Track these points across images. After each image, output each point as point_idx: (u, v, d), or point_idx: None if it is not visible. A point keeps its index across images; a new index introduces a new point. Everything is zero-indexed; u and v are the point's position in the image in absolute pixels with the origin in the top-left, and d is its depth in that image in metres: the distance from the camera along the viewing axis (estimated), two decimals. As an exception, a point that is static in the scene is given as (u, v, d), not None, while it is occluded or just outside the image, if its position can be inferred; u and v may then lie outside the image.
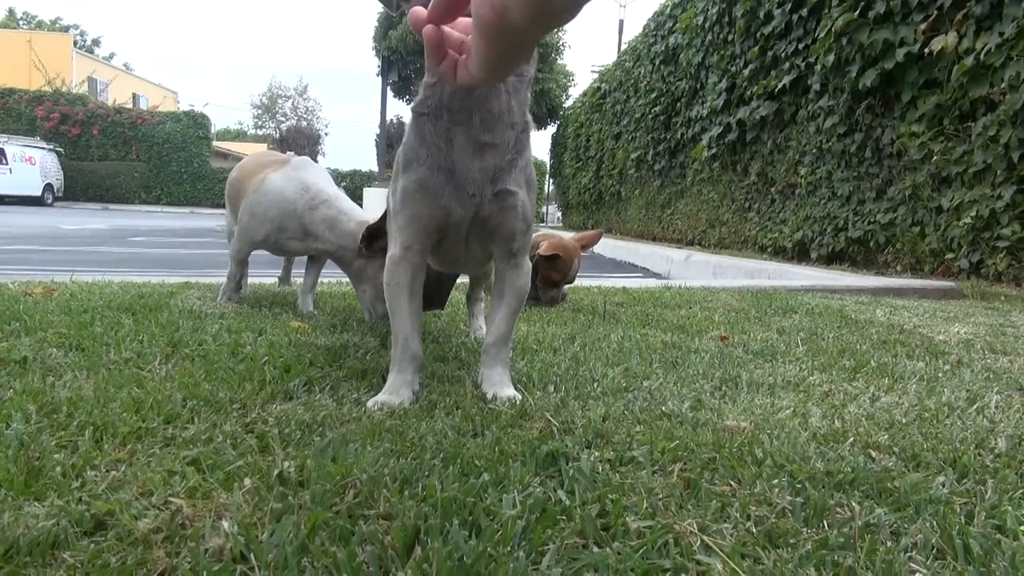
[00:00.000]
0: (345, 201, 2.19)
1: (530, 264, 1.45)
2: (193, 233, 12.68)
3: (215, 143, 34.42)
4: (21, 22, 46.76)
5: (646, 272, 7.78)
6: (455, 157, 1.26)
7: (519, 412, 1.23)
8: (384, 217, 2.02)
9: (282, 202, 2.16)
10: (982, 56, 4.56)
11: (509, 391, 1.37)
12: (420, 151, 1.28)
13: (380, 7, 19.80)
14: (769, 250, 7.43)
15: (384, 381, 1.39)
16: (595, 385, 1.49)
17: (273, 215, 2.18)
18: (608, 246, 10.31)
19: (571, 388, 1.46)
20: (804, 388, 1.55)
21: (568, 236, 2.74)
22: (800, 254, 6.88)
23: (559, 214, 20.05)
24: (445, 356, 1.72)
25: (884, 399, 1.46)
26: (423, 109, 1.27)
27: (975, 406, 1.44)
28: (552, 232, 2.54)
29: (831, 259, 6.34)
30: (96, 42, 50.97)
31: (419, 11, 0.91)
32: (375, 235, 2.04)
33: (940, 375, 1.75)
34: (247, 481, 0.88)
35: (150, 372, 1.40)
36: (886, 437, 1.18)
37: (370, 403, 1.27)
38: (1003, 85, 4.45)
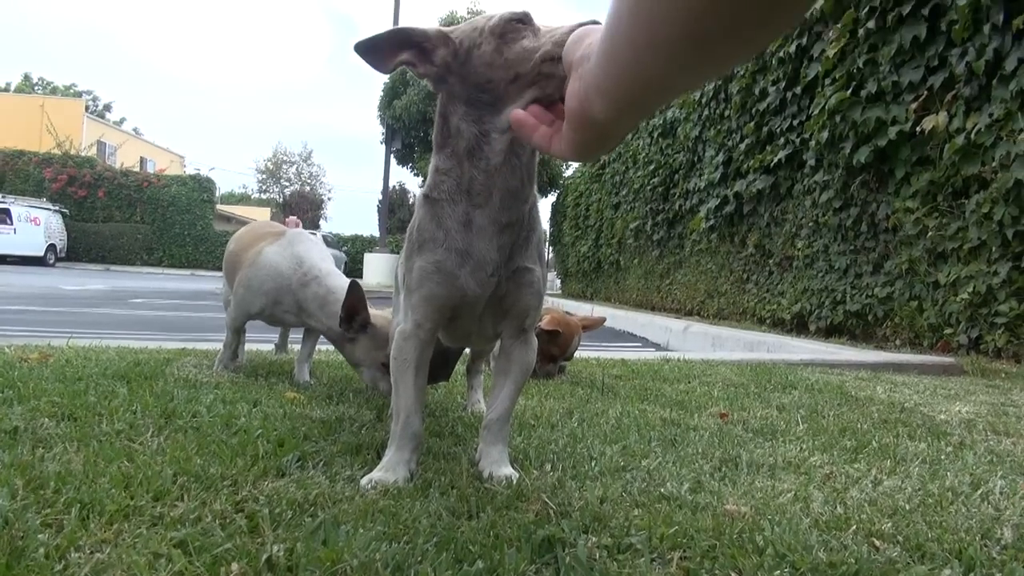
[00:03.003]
0: (337, 278, 2.19)
1: (536, 340, 1.45)
2: (193, 296, 12.71)
3: (219, 206, 34.85)
4: (36, 87, 48.00)
5: (644, 342, 7.77)
6: (474, 239, 1.25)
7: (515, 493, 1.21)
8: (351, 293, 2.01)
9: (277, 276, 2.17)
10: (972, 136, 4.66)
11: (506, 470, 1.35)
12: (437, 233, 1.27)
13: (386, 78, 20.32)
14: (768, 322, 7.44)
15: (379, 456, 1.37)
16: (593, 464, 1.47)
17: (268, 289, 2.19)
18: (607, 315, 10.29)
19: (568, 467, 1.43)
20: (805, 469, 1.53)
21: (571, 313, 2.75)
22: (799, 327, 6.88)
23: (558, 281, 20.14)
24: (442, 431, 1.70)
25: (887, 483, 1.44)
26: (437, 194, 1.27)
27: (979, 491, 1.42)
28: (552, 308, 2.55)
29: (830, 332, 6.34)
30: (108, 107, 52.23)
31: (519, 114, 0.98)
32: (352, 314, 2.03)
33: (943, 457, 1.72)
34: (235, 566, 0.85)
35: (141, 445, 1.38)
36: (890, 525, 1.15)
37: (364, 480, 1.25)
38: (994, 164, 4.54)
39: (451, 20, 20.86)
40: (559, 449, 1.58)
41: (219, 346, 3.31)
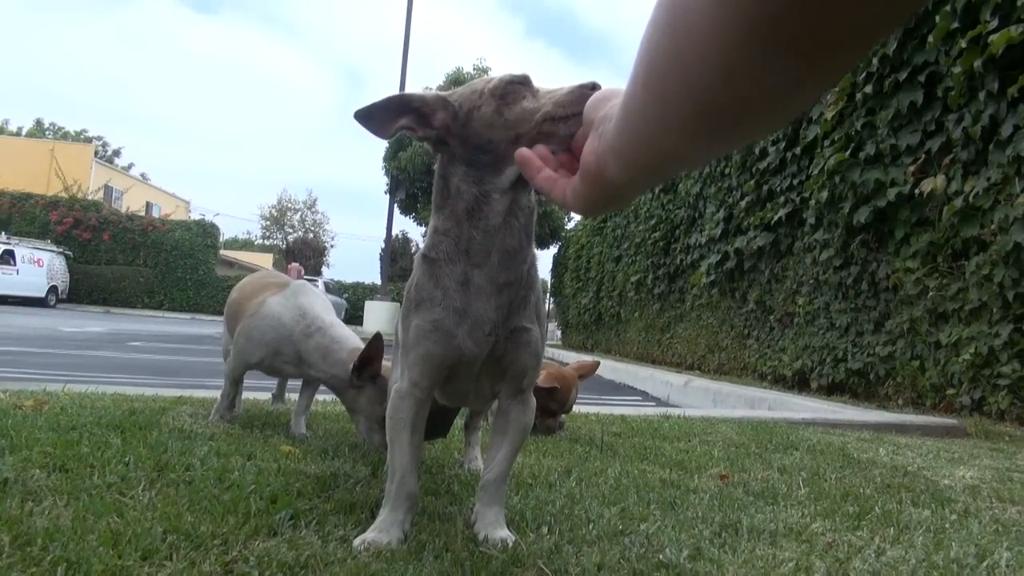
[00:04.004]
0: (340, 329, 2.20)
1: (534, 400, 1.44)
2: (192, 340, 12.68)
3: (222, 252, 35.07)
4: (48, 132, 48.78)
5: (645, 396, 7.71)
6: (472, 299, 1.25)
7: (511, 558, 1.19)
8: (373, 343, 2.02)
9: (279, 327, 2.17)
10: (971, 199, 4.71)
11: (502, 532, 1.32)
12: (435, 292, 1.27)
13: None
14: (769, 378, 7.40)
15: (374, 516, 1.35)
16: (591, 527, 1.44)
17: (269, 339, 2.19)
18: (607, 368, 10.26)
19: (565, 530, 1.41)
20: (807, 537, 1.50)
21: (566, 365, 2.74)
22: (800, 383, 6.84)
23: (559, 332, 20.12)
24: (438, 490, 1.68)
25: (890, 552, 1.41)
26: (435, 254, 1.28)
27: (985, 563, 1.39)
28: (549, 361, 2.54)
29: (832, 390, 6.30)
30: (117, 153, 52.96)
31: (525, 152, 0.98)
32: (366, 363, 2.04)
33: (947, 526, 1.69)
34: (221, 633, 0.83)
35: (132, 499, 1.36)
36: (894, 599, 1.13)
37: (356, 541, 1.22)
38: (993, 227, 4.58)
39: (457, 76, 21.32)
40: (556, 511, 1.55)
41: (216, 394, 3.29)
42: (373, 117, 1.23)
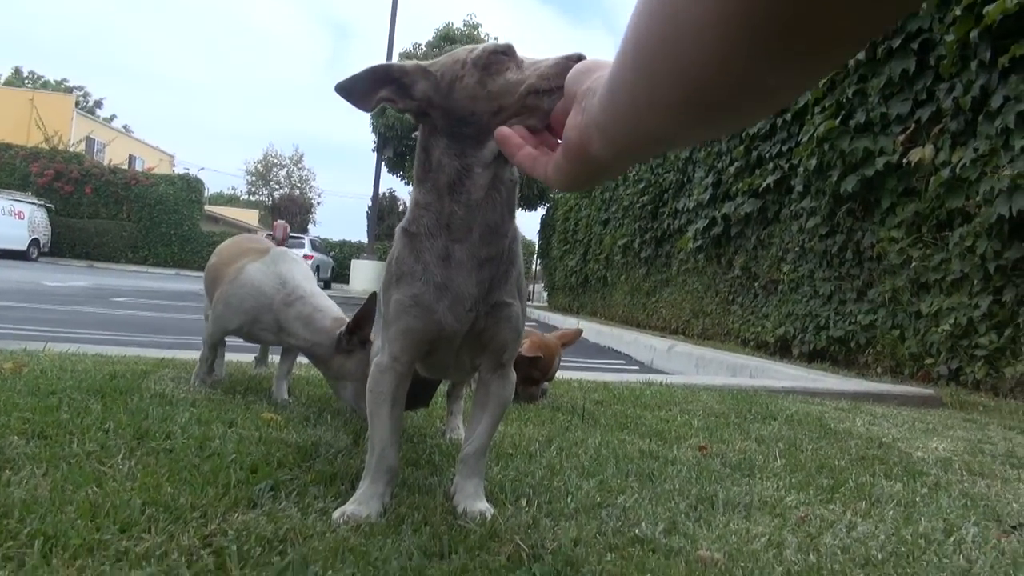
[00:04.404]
0: (322, 298, 2.19)
1: (515, 373, 1.44)
2: (176, 296, 12.61)
3: (207, 207, 34.69)
4: (27, 81, 47.62)
5: (628, 360, 7.78)
6: (453, 273, 1.25)
7: (489, 532, 1.20)
8: (368, 304, 2.02)
9: (258, 295, 2.15)
10: (958, 170, 4.72)
11: (481, 504, 1.34)
12: (415, 267, 1.26)
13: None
14: (751, 344, 7.47)
15: (354, 487, 1.36)
16: (569, 500, 1.46)
17: (248, 307, 2.17)
18: (592, 331, 10.31)
19: (544, 502, 1.43)
20: (780, 510, 1.52)
21: (549, 333, 2.75)
22: (782, 350, 6.91)
23: (545, 294, 20.16)
24: (418, 459, 1.69)
25: (861, 527, 1.44)
26: (416, 228, 1.27)
27: (952, 539, 1.42)
28: (531, 330, 2.54)
29: (813, 357, 6.38)
30: (98, 104, 51.87)
31: (504, 130, 0.97)
32: (360, 324, 2.03)
33: (917, 499, 1.73)
34: (198, 610, 0.84)
35: (111, 468, 1.36)
36: (861, 575, 1.15)
37: (336, 514, 1.23)
38: (978, 198, 4.60)
39: (447, 32, 20.95)
40: (535, 482, 1.57)
41: (195, 355, 3.29)
42: (354, 89, 1.21)
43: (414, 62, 1.26)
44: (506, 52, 1.19)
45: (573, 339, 2.81)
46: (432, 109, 1.23)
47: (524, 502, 1.42)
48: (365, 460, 1.37)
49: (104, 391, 2.03)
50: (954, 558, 1.30)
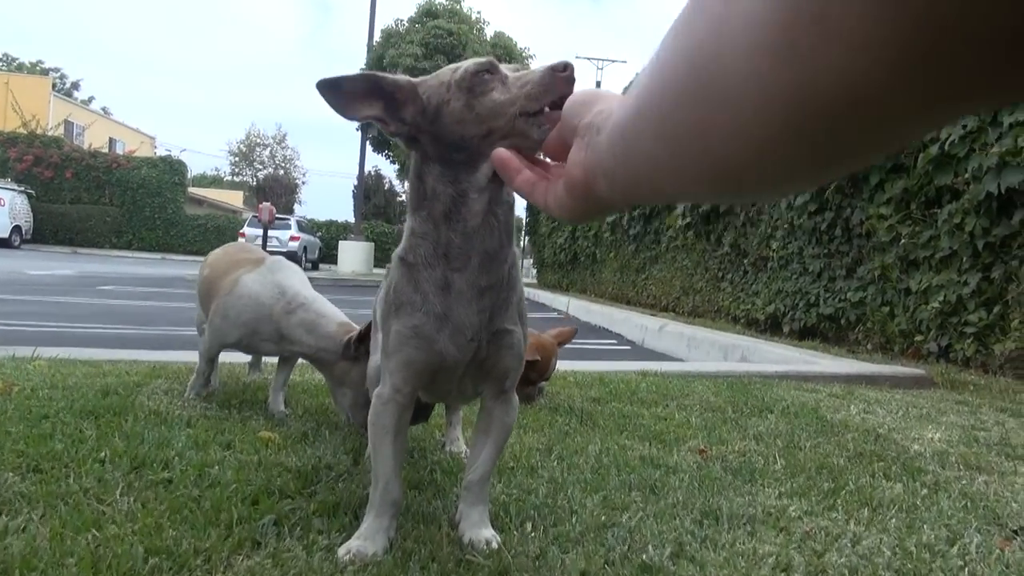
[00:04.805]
0: (323, 304, 2.16)
1: (517, 398, 1.42)
2: (163, 282, 12.51)
3: (190, 189, 34.33)
4: (1, 64, 46.68)
5: (620, 339, 7.80)
6: (452, 303, 1.22)
7: (497, 569, 1.19)
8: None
9: (257, 306, 2.12)
10: (947, 146, 4.72)
11: (486, 532, 1.33)
12: (414, 297, 1.23)
13: (363, 63, 20.08)
14: (742, 321, 7.50)
15: (357, 519, 1.35)
16: (574, 520, 1.46)
17: (247, 319, 2.13)
18: (582, 309, 10.34)
19: (549, 525, 1.42)
20: (784, 523, 1.53)
21: (544, 333, 2.73)
22: (772, 327, 6.95)
23: (534, 271, 20.14)
24: (421, 480, 1.68)
25: (865, 541, 1.45)
26: (413, 258, 1.24)
27: (955, 548, 1.43)
28: (529, 330, 2.52)
29: (803, 334, 6.41)
30: (76, 85, 50.99)
31: (502, 152, 0.90)
32: (365, 336, 2.01)
33: (918, 502, 1.74)
34: None
35: (111, 507, 1.34)
36: (870, 600, 1.16)
37: (342, 551, 1.22)
38: (967, 175, 4.60)
39: (430, 7, 20.63)
40: (539, 501, 1.56)
41: (192, 358, 3.25)
42: (339, 92, 1.13)
43: (407, 78, 1.21)
44: (489, 70, 1.14)
45: (569, 337, 2.80)
46: (421, 135, 1.19)
47: (529, 526, 1.41)
48: (368, 489, 1.35)
49: (97, 412, 2.00)
50: (960, 574, 1.30)
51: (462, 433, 2.04)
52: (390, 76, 1.20)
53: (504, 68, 1.15)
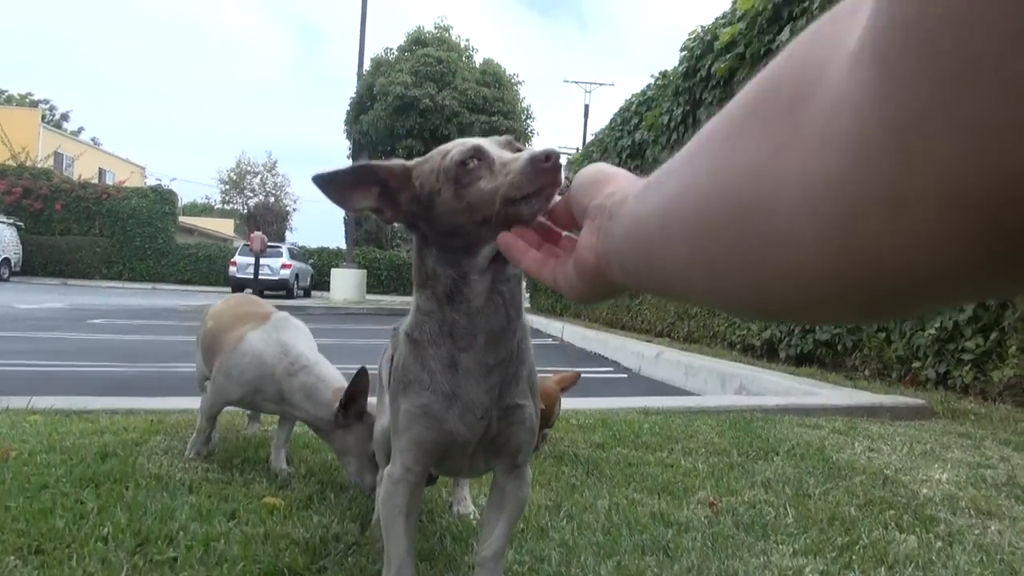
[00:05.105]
0: (325, 367, 2.13)
1: (530, 471, 1.40)
2: (154, 314, 12.43)
3: (181, 218, 34.27)
4: (-11, 96, 46.70)
5: (616, 367, 7.78)
6: (461, 381, 1.20)
7: (516, 657, 1.16)
8: (357, 380, 1.96)
9: (260, 365, 2.09)
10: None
11: None
12: (422, 375, 1.21)
13: (352, 92, 20.19)
14: (738, 347, 7.50)
15: (369, 598, 1.31)
16: (589, 592, 1.43)
17: (250, 378, 2.10)
18: (577, 335, 10.33)
19: (565, 599, 1.40)
20: (802, 588, 1.51)
21: (548, 378, 2.71)
22: (769, 353, 6.94)
23: (527, 295, 20.15)
24: (431, 551, 1.64)
25: (885, 608, 1.42)
26: (419, 335, 1.21)
27: (977, 613, 1.41)
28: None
29: (800, 360, 6.41)
30: (65, 117, 51.02)
31: (507, 238, 0.89)
32: (351, 400, 1.98)
33: (934, 557, 1.72)
34: None
35: (116, 593, 1.30)
36: None
37: (356, 638, 1.19)
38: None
39: (418, 35, 20.79)
40: (552, 570, 1.53)
41: (188, 404, 3.21)
42: (334, 185, 1.11)
43: (400, 163, 1.18)
44: (475, 155, 1.08)
45: (572, 383, 2.78)
46: (418, 221, 1.16)
47: (545, 602, 1.38)
48: (379, 565, 1.32)
49: (98, 479, 1.96)
50: (985, 647, 1.28)
51: (470, 491, 2.01)
52: (384, 164, 1.16)
53: (493, 149, 1.10)
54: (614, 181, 0.73)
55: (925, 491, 2.33)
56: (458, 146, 1.12)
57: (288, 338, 2.13)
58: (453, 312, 1.17)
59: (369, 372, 1.93)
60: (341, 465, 2.10)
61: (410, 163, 1.18)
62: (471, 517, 1.90)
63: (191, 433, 2.44)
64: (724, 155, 0.43)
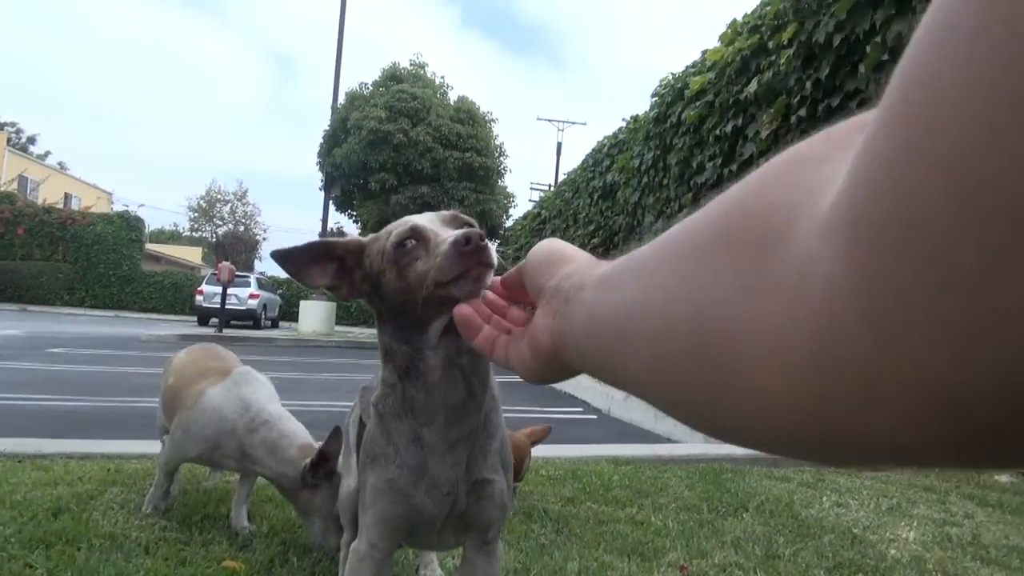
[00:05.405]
0: (288, 422, 2.08)
1: (501, 547, 1.37)
2: (117, 343, 12.14)
3: (148, 245, 33.74)
4: (-47, 117, 45.85)
5: (586, 406, 7.77)
6: (426, 456, 1.17)
7: None
8: (331, 440, 1.93)
9: (219, 421, 2.03)
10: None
11: None
12: (387, 449, 1.19)
13: (326, 124, 20.22)
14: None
15: None
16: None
17: (208, 434, 2.05)
18: (548, 374, 10.29)
19: None
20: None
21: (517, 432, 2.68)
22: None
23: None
24: (395, 621, 1.60)
25: None
26: (384, 408, 1.19)
27: None
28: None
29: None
30: (32, 140, 50.20)
31: (463, 310, 0.84)
32: (322, 461, 1.94)
33: (903, 628, 1.71)
34: None
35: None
36: None
37: None
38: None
39: (393, 72, 20.94)
40: (521, 644, 1.50)
41: (146, 449, 3.12)
42: (293, 262, 1.12)
43: (355, 239, 1.17)
44: (412, 236, 1.07)
45: (543, 436, 2.75)
46: (372, 298, 1.15)
47: None
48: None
49: (48, 540, 1.88)
50: None
51: (436, 557, 1.97)
52: (340, 241, 1.16)
53: (432, 227, 1.08)
54: (570, 261, 0.71)
55: (893, 552, 2.34)
56: (399, 226, 1.11)
57: (248, 392, 2.08)
58: (411, 387, 1.15)
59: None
60: (304, 524, 2.04)
61: (365, 239, 1.17)
62: (438, 582, 1.85)
63: (149, 485, 2.36)
64: (687, 279, 0.41)
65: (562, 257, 0.73)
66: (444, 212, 1.16)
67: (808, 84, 5.72)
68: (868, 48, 5.11)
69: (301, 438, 2.04)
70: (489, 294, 0.90)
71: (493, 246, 1.01)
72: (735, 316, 0.36)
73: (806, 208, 0.33)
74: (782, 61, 5.93)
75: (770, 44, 6.19)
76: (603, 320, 0.56)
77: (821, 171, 0.34)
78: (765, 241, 0.35)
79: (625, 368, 0.52)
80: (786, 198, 0.35)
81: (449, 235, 1.02)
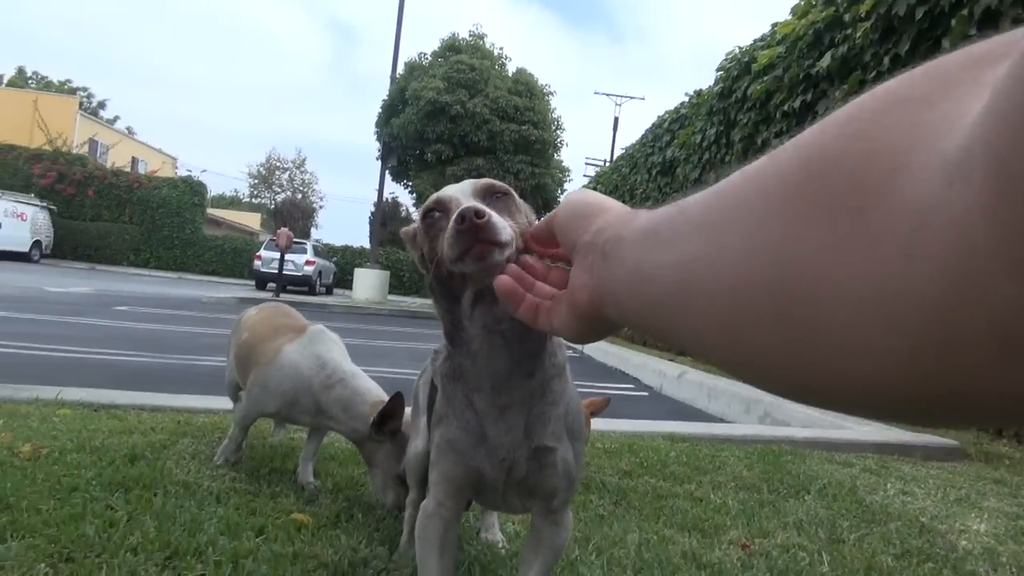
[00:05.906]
0: (362, 380, 2.12)
1: (570, 516, 1.36)
2: (180, 304, 12.55)
3: (209, 210, 34.65)
4: (31, 81, 47.60)
5: (637, 384, 7.73)
6: (482, 421, 1.18)
7: None
8: (393, 401, 1.95)
9: (297, 378, 2.08)
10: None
11: None
12: (448, 411, 1.20)
13: (385, 94, 20.31)
14: (763, 372, 7.39)
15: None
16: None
17: (286, 390, 2.10)
18: (599, 350, 10.28)
19: (598, 644, 1.36)
20: (842, 646, 1.46)
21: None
22: (794, 380, 6.84)
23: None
24: (460, 582, 1.62)
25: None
26: (443, 372, 1.20)
27: None
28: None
29: (826, 390, 6.30)
30: (102, 105, 51.86)
31: (504, 282, 0.81)
32: (386, 419, 1.97)
33: (977, 619, 1.66)
34: None
35: (146, 611, 1.29)
36: None
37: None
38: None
39: (452, 42, 20.86)
40: (585, 611, 1.50)
41: (214, 404, 3.22)
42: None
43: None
44: (436, 208, 1.05)
45: (602, 408, 2.73)
46: (426, 268, 1.15)
47: (578, 646, 1.35)
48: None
49: (127, 484, 1.96)
50: None
51: (499, 518, 1.98)
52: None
53: (459, 198, 1.04)
54: (602, 213, 0.69)
55: (964, 543, 2.27)
56: (426, 203, 1.10)
57: (324, 350, 2.13)
58: (459, 355, 1.15)
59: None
60: (369, 477, 2.10)
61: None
62: (499, 546, 1.87)
63: (218, 437, 2.43)
64: (763, 234, 0.39)
65: (594, 209, 0.71)
66: (479, 181, 1.12)
67: (886, 59, 5.48)
68: (953, 21, 4.86)
69: (375, 395, 2.08)
70: (528, 259, 0.88)
71: (504, 221, 0.96)
72: (827, 271, 0.34)
73: (919, 152, 0.30)
74: (858, 34, 5.69)
75: (846, 16, 5.95)
76: (653, 277, 0.53)
77: (932, 112, 0.31)
78: (865, 189, 0.32)
79: (683, 326, 0.49)
80: (889, 143, 0.32)
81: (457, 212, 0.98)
